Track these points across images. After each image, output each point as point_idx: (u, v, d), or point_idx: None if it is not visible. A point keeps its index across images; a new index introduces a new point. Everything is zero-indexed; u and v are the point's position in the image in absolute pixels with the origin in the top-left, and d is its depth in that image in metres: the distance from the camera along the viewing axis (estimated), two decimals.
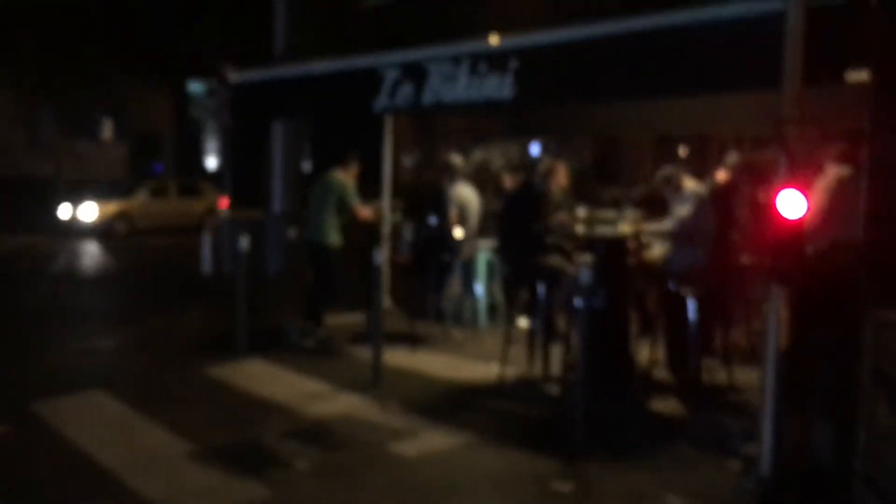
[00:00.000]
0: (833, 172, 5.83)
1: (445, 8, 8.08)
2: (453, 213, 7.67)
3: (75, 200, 19.37)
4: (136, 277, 13.05)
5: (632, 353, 5.81)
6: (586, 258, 4.70)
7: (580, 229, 5.96)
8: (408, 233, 8.24)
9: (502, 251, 6.78)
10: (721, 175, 6.90)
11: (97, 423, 5.41)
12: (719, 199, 6.20)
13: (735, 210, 6.57)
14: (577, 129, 10.94)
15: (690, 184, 6.00)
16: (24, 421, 5.41)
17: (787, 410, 3.89)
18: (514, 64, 5.46)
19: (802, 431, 4.08)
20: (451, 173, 7.89)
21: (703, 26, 4.18)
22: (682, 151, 41.65)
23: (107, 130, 27.93)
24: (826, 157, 6.09)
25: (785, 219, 3.63)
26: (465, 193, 7.83)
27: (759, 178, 7.32)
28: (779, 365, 3.82)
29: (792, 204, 3.62)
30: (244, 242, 7.32)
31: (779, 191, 3.64)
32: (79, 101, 24.60)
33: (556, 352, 6.20)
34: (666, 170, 6.21)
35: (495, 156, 17.28)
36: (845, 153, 5.87)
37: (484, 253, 8.06)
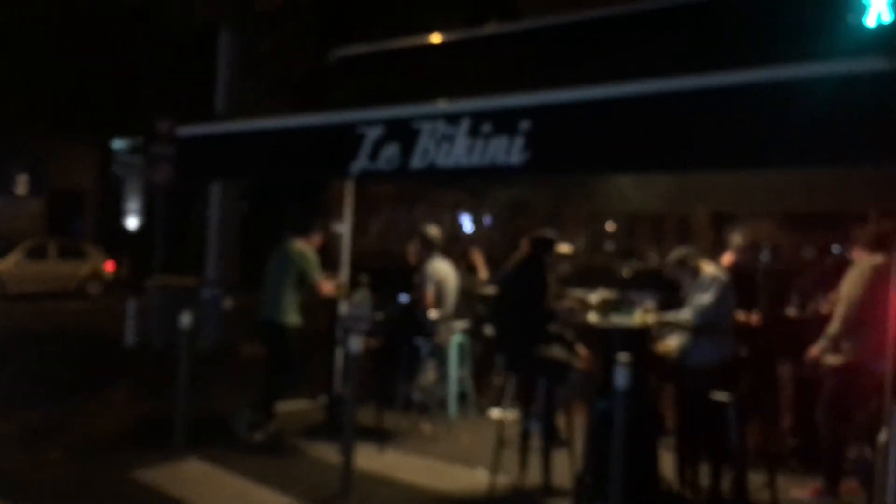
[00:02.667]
0: (866, 261, 5.28)
1: (423, 66, 7.37)
2: (430, 291, 6.82)
3: None
4: (34, 349, 11.13)
5: (658, 464, 5.01)
6: (623, 355, 3.93)
7: (592, 317, 5.20)
8: (367, 310, 7.32)
9: (496, 338, 5.95)
10: (727, 258, 6.29)
11: None
12: (737, 285, 5.56)
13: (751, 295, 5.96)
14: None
15: (710, 268, 5.32)
16: None
17: None
18: (525, 125, 4.73)
19: None
20: (427, 247, 7.06)
21: (783, 86, 3.51)
22: (610, 226, 41.90)
23: (21, 186, 26.26)
24: (854, 243, 5.55)
25: None
26: (443, 269, 7.01)
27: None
28: None
29: None
30: (186, 318, 6.33)
31: None
32: None
33: (558, 458, 5.36)
34: (679, 251, 5.53)
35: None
36: (878, 238, 5.34)
37: (456, 336, 7.23)
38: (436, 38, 7.40)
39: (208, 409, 7.11)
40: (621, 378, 3.85)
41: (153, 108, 14.90)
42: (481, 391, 7.74)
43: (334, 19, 14.13)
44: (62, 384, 8.69)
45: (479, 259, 8.50)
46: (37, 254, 18.65)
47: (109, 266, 20.21)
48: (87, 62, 20.83)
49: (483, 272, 8.40)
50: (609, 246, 39.65)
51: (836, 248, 12.97)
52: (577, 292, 6.97)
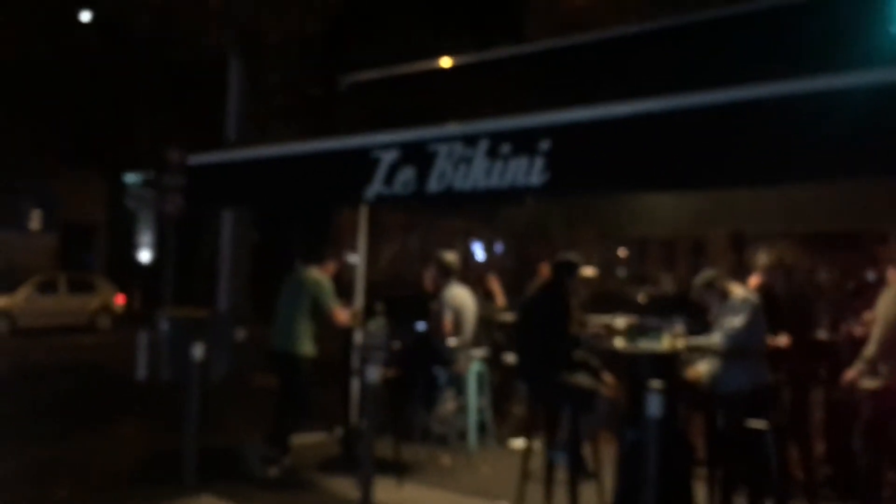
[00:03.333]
0: None
1: (435, 90, 7.28)
2: (448, 318, 6.63)
3: None
4: (45, 384, 11.00)
5: (693, 496, 4.78)
6: (655, 382, 3.73)
7: (619, 343, 5.01)
8: (384, 339, 7.13)
9: (519, 366, 5.74)
10: (754, 279, 6.08)
11: None
12: (765, 307, 5.36)
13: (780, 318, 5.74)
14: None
15: (738, 290, 5.13)
16: None
17: None
18: (545, 145, 4.59)
19: None
20: (444, 273, 6.89)
21: (816, 98, 3.36)
22: (621, 252, 41.60)
23: (35, 220, 26.28)
24: (886, 261, 5.36)
25: None
26: (461, 296, 6.83)
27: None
28: None
29: None
30: (198, 350, 6.17)
31: None
32: (4, 189, 23.05)
33: (585, 490, 5.14)
34: (707, 273, 5.34)
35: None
36: None
37: (475, 364, 7.04)
38: (446, 63, 7.30)
39: (221, 442, 6.94)
40: (653, 406, 3.66)
41: (163, 140, 14.90)
42: (500, 421, 7.54)
43: (342, 47, 14.14)
44: (72, 419, 8.54)
45: (495, 285, 8.33)
46: (47, 288, 18.59)
47: (120, 299, 20.15)
48: (96, 96, 20.94)
49: (500, 299, 8.23)
50: (621, 272, 39.29)
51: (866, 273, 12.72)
52: (597, 318, 6.79)
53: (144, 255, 29.36)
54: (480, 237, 30.50)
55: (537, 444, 5.39)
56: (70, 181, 24.84)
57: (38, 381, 11.25)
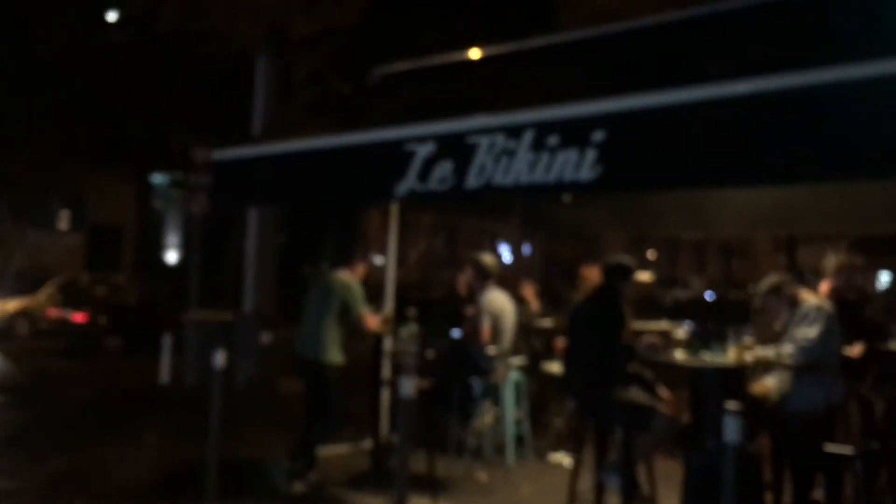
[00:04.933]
0: None
1: (471, 82, 6.86)
2: (486, 325, 6.18)
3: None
4: (65, 387, 10.75)
5: None
6: (732, 404, 3.26)
7: (680, 355, 4.54)
8: (417, 347, 6.71)
9: (566, 378, 5.28)
10: (824, 286, 5.57)
11: None
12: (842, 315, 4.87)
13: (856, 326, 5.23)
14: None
15: (810, 297, 4.64)
16: None
17: None
18: (599, 136, 4.13)
19: None
20: (482, 276, 6.44)
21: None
22: (651, 254, 40.90)
23: (63, 220, 26.24)
24: None
25: None
26: (500, 301, 6.37)
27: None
28: None
29: None
30: (220, 357, 5.78)
31: None
32: (33, 189, 22.98)
33: None
34: (773, 278, 4.85)
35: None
36: None
37: (513, 373, 6.60)
38: (481, 53, 6.90)
39: (244, 453, 6.60)
40: (731, 431, 3.19)
41: (192, 140, 14.60)
42: (539, 433, 7.10)
43: (372, 40, 13.79)
44: (92, 426, 8.24)
45: (529, 293, 7.87)
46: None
47: None
48: (125, 97, 20.78)
49: (534, 304, 7.78)
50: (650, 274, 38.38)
51: None
52: (643, 324, 6.33)
53: (171, 256, 29.28)
54: (508, 238, 30.02)
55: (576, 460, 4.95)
56: (98, 182, 24.70)
57: (57, 384, 10.97)
